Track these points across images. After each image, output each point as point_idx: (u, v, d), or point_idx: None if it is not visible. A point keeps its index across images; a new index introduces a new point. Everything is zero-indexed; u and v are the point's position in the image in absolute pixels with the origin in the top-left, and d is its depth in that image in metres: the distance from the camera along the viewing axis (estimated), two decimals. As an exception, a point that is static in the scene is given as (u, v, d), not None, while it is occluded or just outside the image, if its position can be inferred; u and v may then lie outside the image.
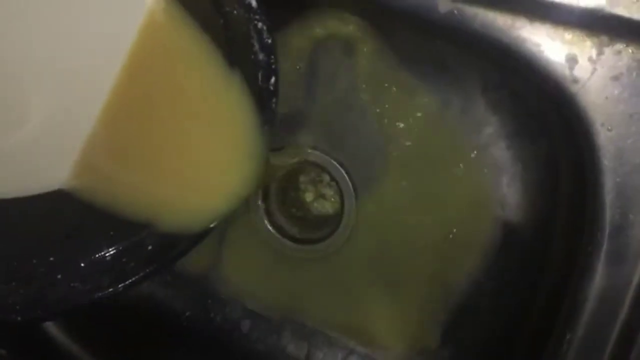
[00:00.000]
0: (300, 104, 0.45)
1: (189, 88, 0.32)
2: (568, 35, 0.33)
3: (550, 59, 0.33)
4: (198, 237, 0.36)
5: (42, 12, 0.30)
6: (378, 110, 0.44)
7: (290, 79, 0.44)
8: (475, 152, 0.43)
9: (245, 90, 0.33)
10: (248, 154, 0.34)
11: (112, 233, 0.36)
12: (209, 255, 0.49)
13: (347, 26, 0.43)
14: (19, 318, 0.35)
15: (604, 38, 0.32)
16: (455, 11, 0.35)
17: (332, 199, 0.50)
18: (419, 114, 0.43)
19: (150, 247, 0.36)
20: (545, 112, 0.39)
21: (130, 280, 0.35)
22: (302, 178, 0.51)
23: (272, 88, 0.34)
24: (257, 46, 0.33)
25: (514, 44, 0.34)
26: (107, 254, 0.36)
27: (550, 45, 0.33)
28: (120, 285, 0.35)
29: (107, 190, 0.33)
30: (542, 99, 0.38)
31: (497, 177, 0.43)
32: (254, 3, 0.32)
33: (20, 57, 0.31)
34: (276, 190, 0.49)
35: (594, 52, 0.33)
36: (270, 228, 0.48)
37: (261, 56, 0.33)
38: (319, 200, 0.51)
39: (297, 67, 0.44)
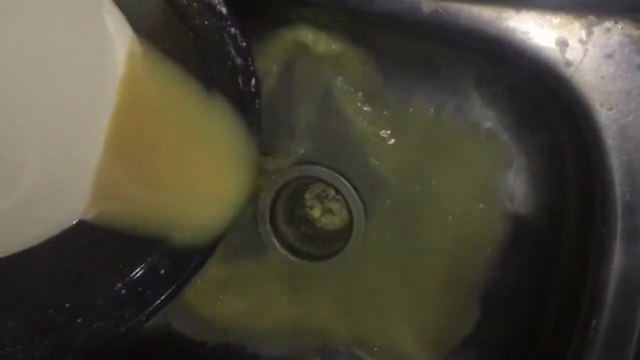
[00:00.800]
0: (286, 117, 0.45)
1: (175, 117, 0.34)
2: (556, 19, 0.33)
3: (541, 45, 0.33)
4: (210, 248, 0.36)
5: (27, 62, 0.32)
6: (372, 118, 0.44)
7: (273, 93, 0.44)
8: (476, 148, 0.42)
9: (225, 104, 0.35)
10: (241, 159, 0.36)
11: (121, 266, 0.36)
12: (220, 283, 0.49)
13: (331, 41, 0.43)
14: None
15: (592, 18, 0.32)
16: (440, 10, 0.35)
17: (341, 213, 0.50)
18: (414, 119, 0.43)
19: (163, 271, 0.36)
20: (542, 100, 0.39)
21: (151, 308, 0.36)
22: (307, 195, 0.51)
23: (253, 89, 0.35)
24: (233, 52, 0.34)
25: (503, 35, 0.34)
26: (122, 288, 0.36)
27: (539, 32, 0.33)
28: (142, 315, 0.36)
29: (122, 213, 0.35)
30: (538, 87, 0.37)
31: (502, 170, 0.42)
32: (224, 10, 0.33)
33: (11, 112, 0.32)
34: (283, 210, 0.49)
35: (583, 33, 0.33)
36: (280, 249, 0.47)
37: (238, 60, 0.34)
38: (327, 216, 0.51)
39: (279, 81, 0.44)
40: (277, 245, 0.47)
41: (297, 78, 0.44)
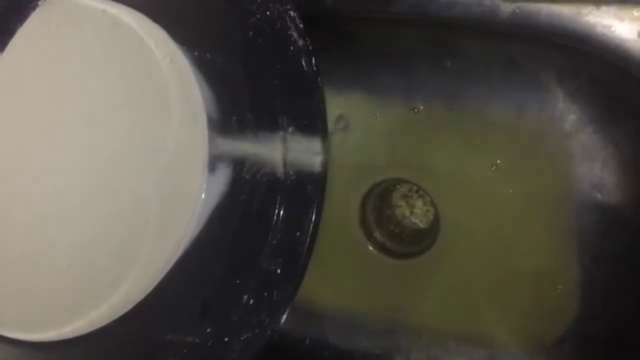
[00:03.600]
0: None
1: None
2: (637, 12, 0.33)
3: (623, 38, 0.34)
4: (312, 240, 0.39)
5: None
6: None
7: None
8: (561, 141, 0.43)
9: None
10: None
11: (238, 281, 0.39)
12: (315, 283, 0.51)
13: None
14: None
15: (674, 8, 0.33)
16: (518, 10, 0.36)
17: (426, 210, 0.51)
18: (498, 116, 0.44)
19: (279, 270, 0.39)
20: (625, 91, 0.39)
21: (282, 305, 0.39)
22: (394, 195, 0.52)
23: (315, 68, 0.37)
24: (295, 35, 0.35)
25: (584, 30, 0.34)
26: (249, 299, 0.38)
27: (620, 25, 0.34)
28: (278, 314, 0.38)
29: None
30: (621, 78, 0.38)
31: (590, 162, 0.43)
32: None
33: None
34: (372, 210, 0.51)
35: (665, 24, 0.33)
36: (371, 248, 0.50)
37: (300, 42, 0.36)
38: (415, 214, 0.52)
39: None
40: (369, 245, 0.49)
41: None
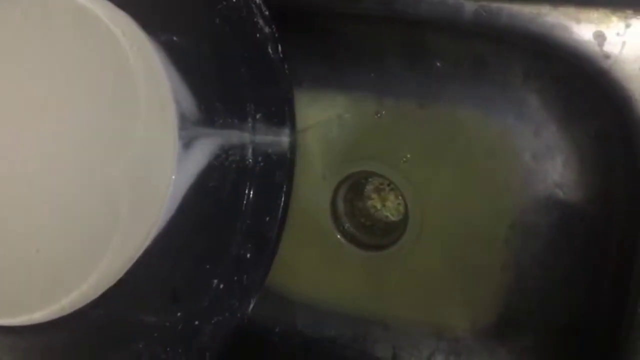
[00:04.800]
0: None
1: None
2: (593, 14, 0.34)
3: (579, 39, 0.35)
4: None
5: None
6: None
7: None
8: (527, 139, 0.44)
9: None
10: None
11: (208, 266, 0.40)
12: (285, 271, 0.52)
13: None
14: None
15: (629, 12, 0.34)
16: (482, 10, 0.37)
17: (398, 203, 0.52)
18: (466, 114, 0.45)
19: (249, 254, 0.40)
20: (587, 91, 0.40)
21: (253, 289, 0.40)
22: (367, 187, 0.54)
23: (281, 55, 0.38)
24: (260, 22, 0.36)
25: (542, 31, 0.36)
26: (219, 283, 0.40)
27: (577, 27, 0.35)
28: (248, 298, 0.40)
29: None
30: (581, 79, 0.39)
31: (552, 159, 0.44)
32: None
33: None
34: (343, 202, 0.52)
35: (621, 27, 0.34)
36: (341, 239, 0.51)
37: (267, 29, 0.37)
38: (386, 207, 0.53)
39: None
40: (338, 236, 0.51)
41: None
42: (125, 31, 0.35)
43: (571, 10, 0.35)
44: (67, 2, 0.33)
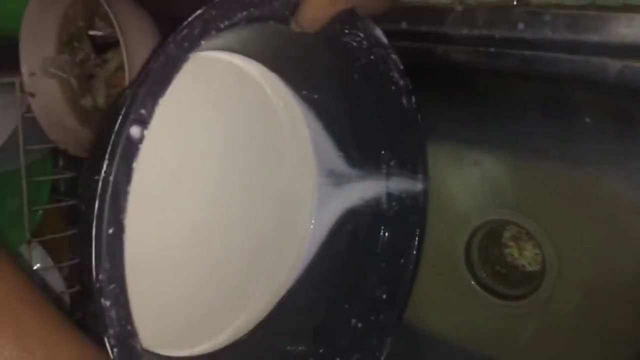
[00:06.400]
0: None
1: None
2: None
3: None
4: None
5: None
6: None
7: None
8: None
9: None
10: None
11: (346, 305, 0.43)
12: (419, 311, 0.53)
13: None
14: None
15: None
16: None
17: (535, 253, 0.52)
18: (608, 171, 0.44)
19: (385, 296, 0.42)
20: None
21: (391, 328, 0.42)
22: (504, 235, 0.53)
23: (414, 106, 0.39)
24: (396, 75, 0.38)
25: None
26: (357, 322, 0.43)
27: None
28: (386, 336, 0.42)
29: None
30: None
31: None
32: (386, 40, 0.38)
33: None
34: (478, 249, 0.52)
35: None
36: (476, 286, 0.51)
37: (401, 82, 0.39)
38: (524, 256, 0.53)
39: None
40: (473, 283, 0.51)
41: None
42: (274, 89, 0.40)
43: None
44: (226, 65, 0.38)
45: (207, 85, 0.37)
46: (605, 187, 0.45)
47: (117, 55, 0.51)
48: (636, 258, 0.44)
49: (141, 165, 0.26)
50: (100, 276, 0.27)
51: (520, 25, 0.40)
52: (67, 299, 0.61)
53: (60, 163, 0.64)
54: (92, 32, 0.53)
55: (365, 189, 0.42)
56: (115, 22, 0.46)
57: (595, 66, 0.38)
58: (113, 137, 0.25)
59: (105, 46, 0.53)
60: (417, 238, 0.44)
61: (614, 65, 0.37)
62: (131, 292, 0.28)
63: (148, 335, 0.31)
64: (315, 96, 0.40)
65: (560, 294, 0.47)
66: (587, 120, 0.44)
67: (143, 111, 0.26)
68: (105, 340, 0.28)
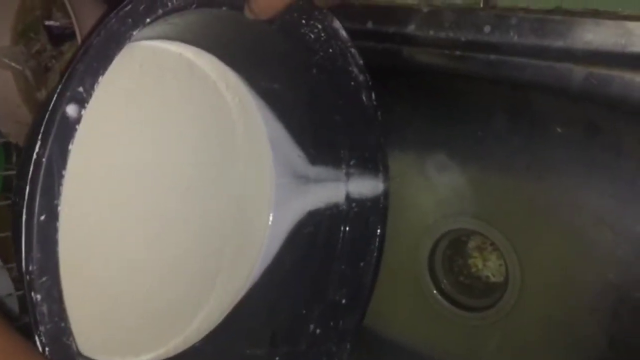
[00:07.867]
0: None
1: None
2: None
3: None
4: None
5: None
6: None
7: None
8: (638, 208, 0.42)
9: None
10: None
11: (304, 311, 0.42)
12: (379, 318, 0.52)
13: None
14: None
15: None
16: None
17: (499, 264, 0.51)
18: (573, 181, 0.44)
19: (344, 300, 0.41)
20: None
21: (350, 334, 0.42)
22: (469, 245, 0.53)
23: (374, 103, 0.38)
24: (355, 70, 0.37)
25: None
26: (315, 328, 0.42)
27: None
28: (345, 342, 0.41)
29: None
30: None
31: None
32: (344, 33, 0.37)
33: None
34: (442, 258, 0.51)
35: None
36: (438, 296, 0.50)
37: (361, 77, 0.37)
38: (487, 267, 0.52)
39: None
40: (436, 293, 0.50)
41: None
42: (229, 84, 0.38)
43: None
44: (177, 57, 0.37)
45: (157, 77, 0.35)
46: (569, 197, 0.45)
47: (74, 47, 0.50)
48: (600, 269, 0.44)
49: (80, 149, 0.25)
50: (31, 267, 0.25)
51: (487, 28, 0.40)
52: (15, 302, 0.59)
53: (14, 158, 0.61)
54: (48, 23, 0.51)
55: (325, 190, 0.41)
56: (72, 12, 0.44)
57: (560, 72, 0.38)
58: (47, 115, 0.23)
59: (62, 38, 0.51)
60: (377, 240, 0.43)
61: (579, 71, 0.37)
62: (67, 287, 0.26)
63: (86, 338, 0.29)
64: (272, 91, 0.39)
65: (524, 305, 0.47)
66: (553, 128, 0.44)
67: (80, 89, 0.24)
68: (36, 338, 0.26)
